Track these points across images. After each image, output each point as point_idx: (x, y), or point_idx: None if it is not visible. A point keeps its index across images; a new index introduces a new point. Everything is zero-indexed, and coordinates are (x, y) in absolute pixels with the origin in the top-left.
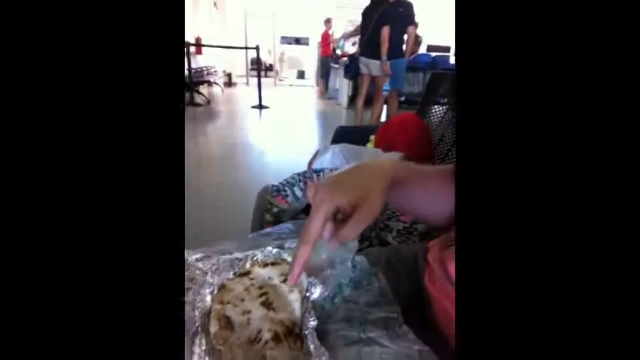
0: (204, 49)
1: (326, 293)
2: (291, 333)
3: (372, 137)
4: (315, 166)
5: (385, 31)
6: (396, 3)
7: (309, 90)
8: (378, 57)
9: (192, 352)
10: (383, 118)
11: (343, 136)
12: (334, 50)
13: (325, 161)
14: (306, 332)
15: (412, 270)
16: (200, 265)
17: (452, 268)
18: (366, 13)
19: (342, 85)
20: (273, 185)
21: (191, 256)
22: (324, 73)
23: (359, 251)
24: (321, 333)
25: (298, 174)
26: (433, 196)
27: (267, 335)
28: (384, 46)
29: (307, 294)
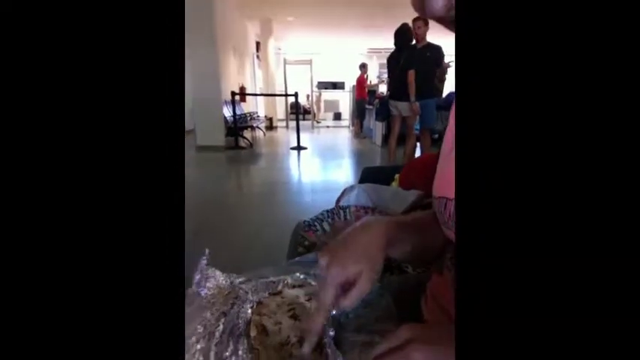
0: (248, 97)
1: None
2: None
3: (397, 176)
4: (342, 203)
5: (411, 74)
6: (425, 47)
7: (345, 130)
8: (405, 99)
9: (237, 349)
10: (418, 155)
11: (369, 175)
12: (369, 93)
13: (351, 199)
14: (326, 340)
15: (414, 296)
16: (243, 286)
17: (445, 297)
18: (392, 59)
19: (376, 124)
20: (305, 221)
21: (236, 280)
22: (359, 114)
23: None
24: (337, 341)
25: (327, 211)
26: (428, 243)
27: (294, 339)
28: (411, 89)
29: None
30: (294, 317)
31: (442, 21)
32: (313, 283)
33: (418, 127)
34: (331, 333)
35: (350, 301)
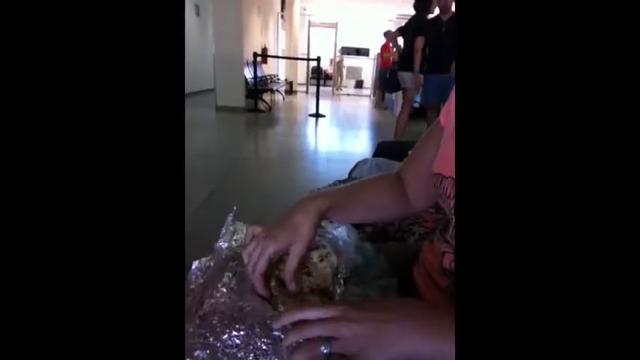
0: (269, 59)
1: (347, 273)
2: (321, 291)
3: (410, 152)
4: (355, 175)
5: (419, 41)
6: (451, 19)
7: (366, 100)
8: (408, 69)
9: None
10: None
11: (384, 149)
12: (393, 61)
13: (364, 171)
14: (334, 294)
15: (409, 261)
16: None
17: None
18: (406, 28)
19: (397, 96)
20: (319, 189)
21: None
22: (381, 84)
23: (377, 243)
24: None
25: (339, 181)
26: (377, 202)
27: (306, 290)
28: (416, 58)
29: (337, 272)
30: (308, 274)
31: None
32: (325, 245)
33: (417, 99)
34: (339, 290)
35: (291, 264)
